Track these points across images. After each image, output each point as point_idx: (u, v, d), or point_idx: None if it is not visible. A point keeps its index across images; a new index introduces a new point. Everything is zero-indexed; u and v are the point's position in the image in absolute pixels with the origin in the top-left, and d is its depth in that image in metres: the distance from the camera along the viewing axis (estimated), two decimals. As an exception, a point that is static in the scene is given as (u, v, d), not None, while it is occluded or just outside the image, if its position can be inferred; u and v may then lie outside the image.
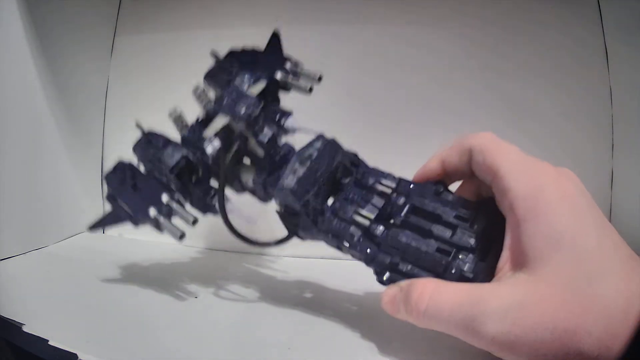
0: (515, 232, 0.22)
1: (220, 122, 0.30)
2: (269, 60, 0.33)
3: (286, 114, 0.31)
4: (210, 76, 0.32)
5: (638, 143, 0.38)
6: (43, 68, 0.43)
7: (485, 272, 0.24)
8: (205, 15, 0.49)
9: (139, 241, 0.49)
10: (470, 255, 0.24)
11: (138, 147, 0.33)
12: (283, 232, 0.31)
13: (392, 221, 0.27)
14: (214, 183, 0.32)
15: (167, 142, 0.32)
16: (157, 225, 0.31)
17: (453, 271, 0.24)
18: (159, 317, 0.31)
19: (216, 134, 0.30)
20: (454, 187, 0.28)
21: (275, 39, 0.34)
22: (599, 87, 0.42)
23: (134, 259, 0.42)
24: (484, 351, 0.25)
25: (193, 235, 0.47)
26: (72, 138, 0.48)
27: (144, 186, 0.32)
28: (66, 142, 0.47)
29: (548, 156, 0.24)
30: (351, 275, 0.35)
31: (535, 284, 0.20)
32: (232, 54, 0.34)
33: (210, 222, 0.41)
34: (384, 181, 0.28)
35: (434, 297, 0.23)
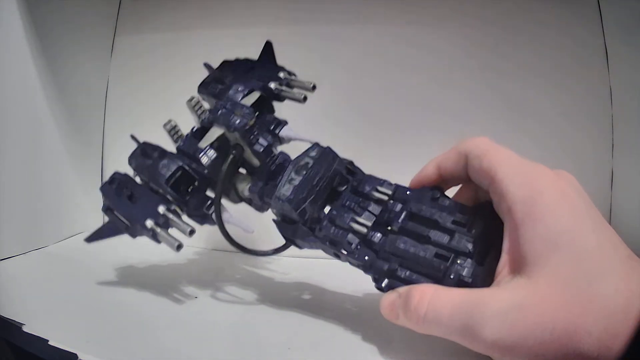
0: (514, 236, 0.22)
1: (215, 132, 0.30)
2: (262, 70, 0.33)
3: (281, 123, 0.31)
4: (204, 87, 0.33)
5: (638, 143, 0.38)
6: (43, 68, 0.43)
7: (484, 276, 0.24)
8: (206, 15, 0.49)
9: (139, 241, 0.48)
10: (469, 260, 0.24)
11: (133, 159, 0.32)
12: (280, 240, 0.31)
13: (389, 228, 0.27)
14: (210, 193, 0.32)
15: (163, 153, 0.32)
16: (154, 236, 0.30)
17: (452, 276, 0.24)
18: (159, 317, 0.31)
19: (211, 145, 0.30)
20: (451, 192, 0.28)
21: (268, 49, 0.34)
22: (599, 87, 0.42)
23: (134, 259, 0.42)
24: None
25: (195, 236, 0.47)
26: (72, 138, 0.48)
27: (140, 197, 0.31)
28: (66, 142, 0.47)
29: (548, 156, 0.24)
30: (351, 275, 0.35)
31: (534, 287, 0.20)
32: (225, 65, 0.34)
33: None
34: (380, 188, 0.28)
35: (433, 302, 0.23)
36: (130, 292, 0.35)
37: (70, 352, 0.26)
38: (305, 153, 0.29)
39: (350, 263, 0.28)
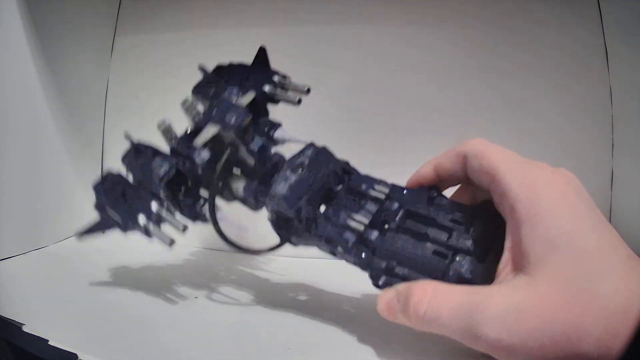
0: (516, 234, 0.22)
1: (209, 132, 0.30)
2: (256, 74, 0.33)
3: (275, 125, 0.31)
4: (198, 89, 0.33)
5: (638, 143, 0.38)
6: (43, 68, 0.43)
7: (485, 274, 0.23)
8: (206, 15, 0.49)
9: (139, 241, 0.48)
10: (468, 257, 0.24)
11: (127, 158, 0.32)
12: (275, 238, 0.31)
13: (386, 226, 0.27)
14: (203, 193, 0.32)
15: (156, 152, 0.32)
16: (147, 232, 0.30)
17: (451, 273, 0.24)
18: (158, 317, 0.31)
19: (205, 144, 0.30)
20: (448, 193, 0.28)
21: (262, 54, 0.34)
22: (599, 87, 0.42)
23: (134, 259, 0.42)
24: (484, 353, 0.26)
25: (193, 236, 0.47)
26: (72, 138, 0.48)
27: (133, 195, 0.31)
28: (66, 142, 0.47)
29: (548, 156, 0.24)
30: (351, 275, 0.35)
31: (535, 286, 0.20)
32: (219, 69, 0.34)
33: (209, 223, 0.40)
34: (377, 187, 0.28)
35: (433, 300, 0.22)
36: (130, 292, 0.35)
37: (70, 352, 0.26)
38: (301, 152, 0.29)
39: (347, 261, 0.28)
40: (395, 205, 0.27)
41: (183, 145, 0.31)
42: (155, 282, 0.36)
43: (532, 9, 0.43)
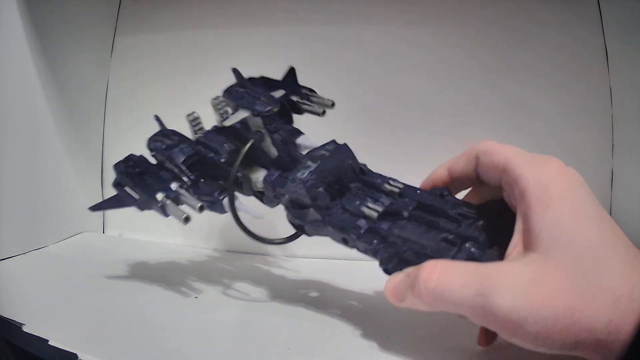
0: (527, 217, 0.22)
1: (238, 116, 0.31)
2: (285, 86, 0.34)
3: (298, 132, 0.32)
4: (230, 91, 0.33)
5: (638, 143, 0.38)
6: (43, 68, 0.43)
7: (493, 258, 0.24)
8: (206, 15, 0.49)
9: (139, 241, 0.49)
10: (476, 245, 0.25)
11: (152, 140, 0.34)
12: (288, 229, 0.31)
13: (398, 216, 0.27)
14: (223, 184, 0.32)
15: (184, 138, 0.34)
16: (163, 209, 0.31)
17: (459, 259, 0.24)
18: (158, 317, 0.31)
19: (229, 139, 0.32)
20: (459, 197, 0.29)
21: (291, 73, 0.35)
22: (599, 87, 0.42)
23: (133, 259, 0.42)
24: (484, 350, 0.26)
25: (193, 236, 0.47)
26: (72, 138, 0.48)
27: (153, 175, 0.33)
28: (66, 142, 0.47)
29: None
30: (352, 276, 0.35)
31: (545, 263, 0.21)
32: (251, 79, 0.35)
33: (210, 223, 0.41)
34: (391, 182, 0.29)
35: (444, 273, 0.22)
36: (131, 292, 0.35)
37: (70, 352, 0.26)
38: (323, 146, 0.31)
39: (357, 248, 0.28)
40: (408, 199, 0.28)
41: (208, 138, 0.33)
42: (156, 282, 0.36)
43: (532, 9, 0.43)
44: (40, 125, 0.44)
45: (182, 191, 0.32)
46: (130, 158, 0.34)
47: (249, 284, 0.37)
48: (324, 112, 0.32)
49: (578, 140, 0.42)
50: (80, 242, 0.47)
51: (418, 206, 0.28)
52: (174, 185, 0.32)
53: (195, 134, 0.34)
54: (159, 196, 0.31)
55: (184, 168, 0.32)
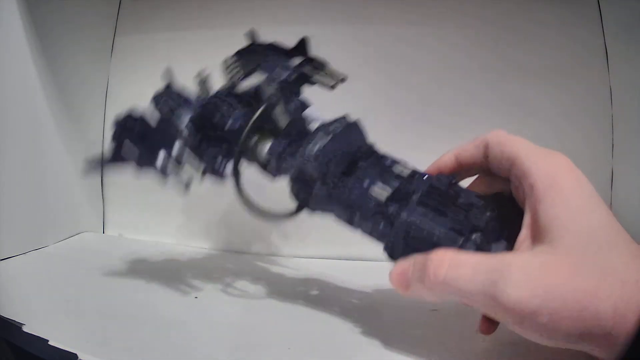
0: (535, 210, 0.22)
1: (256, 79, 0.30)
2: (298, 56, 0.33)
3: (307, 105, 0.31)
4: (241, 53, 0.33)
5: (638, 143, 0.38)
6: (43, 68, 0.43)
7: (502, 250, 0.24)
8: (206, 15, 0.49)
9: (139, 241, 0.49)
10: (484, 236, 0.24)
11: (160, 95, 0.33)
12: (289, 205, 0.31)
13: (406, 201, 0.27)
14: (228, 149, 0.31)
15: (189, 100, 0.32)
16: (164, 170, 0.30)
17: (467, 247, 0.24)
18: (158, 317, 0.31)
19: (240, 102, 0.31)
20: (464, 185, 0.28)
21: (303, 43, 0.34)
22: (599, 87, 0.42)
23: (133, 259, 0.42)
24: (485, 349, 0.26)
25: (193, 236, 0.47)
26: (72, 138, 0.48)
27: (155, 134, 0.31)
28: (66, 142, 0.47)
29: None
30: (351, 275, 0.35)
31: (554, 253, 0.21)
32: (262, 45, 0.34)
33: (209, 222, 0.41)
34: (400, 165, 0.29)
35: (454, 262, 0.23)
36: (131, 292, 0.35)
37: (70, 352, 0.26)
38: (335, 121, 0.30)
39: (363, 230, 0.27)
40: (416, 184, 0.27)
41: (217, 98, 0.31)
42: (155, 282, 0.36)
43: (532, 9, 0.43)
44: (40, 125, 0.44)
45: (186, 150, 0.30)
46: (130, 114, 0.32)
47: (249, 284, 0.37)
48: (334, 87, 0.31)
49: (578, 140, 0.42)
50: (80, 242, 0.47)
51: (427, 191, 0.27)
52: (177, 144, 0.30)
53: (203, 94, 0.33)
54: (161, 154, 0.30)
55: (189, 127, 0.30)
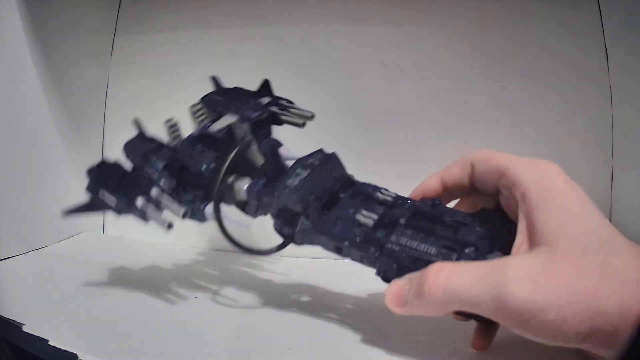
0: (530, 216, 0.23)
1: (225, 121, 0.30)
2: (263, 97, 0.33)
3: (278, 143, 0.32)
4: (208, 98, 0.33)
5: (638, 143, 0.38)
6: (43, 68, 0.43)
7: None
8: (206, 15, 0.49)
9: (139, 241, 0.49)
10: (476, 250, 0.24)
11: (130, 144, 0.33)
12: (277, 236, 0.31)
13: (393, 225, 0.27)
14: (204, 193, 0.31)
15: (162, 145, 0.32)
16: (143, 215, 0.30)
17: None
18: (158, 317, 0.31)
19: (211, 146, 0.31)
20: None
21: (266, 85, 0.35)
22: (599, 87, 0.42)
23: (134, 259, 0.42)
24: (481, 353, 0.26)
25: (193, 236, 0.47)
26: (72, 138, 0.48)
27: (131, 181, 0.32)
28: (66, 142, 0.47)
29: (548, 156, 0.25)
30: (352, 275, 0.35)
31: (554, 253, 0.21)
32: (228, 89, 0.34)
33: (209, 223, 0.40)
34: (383, 192, 0.29)
35: (453, 270, 0.23)
36: (130, 292, 0.35)
37: (70, 352, 0.26)
38: (311, 155, 0.30)
39: (352, 257, 0.27)
40: (401, 209, 0.28)
41: (187, 146, 0.31)
42: (156, 282, 0.36)
43: (532, 9, 0.42)
44: (40, 125, 0.44)
45: (164, 195, 0.30)
46: (104, 164, 0.32)
47: (249, 284, 0.37)
48: (304, 124, 0.31)
49: (578, 140, 0.42)
50: (80, 242, 0.47)
51: (413, 213, 0.27)
52: (154, 191, 0.30)
53: (174, 140, 0.33)
54: (139, 201, 0.30)
55: (164, 174, 0.30)
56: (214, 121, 0.31)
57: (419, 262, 0.25)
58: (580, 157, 0.41)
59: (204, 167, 0.31)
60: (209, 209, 0.30)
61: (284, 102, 0.33)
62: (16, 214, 0.42)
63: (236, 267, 0.42)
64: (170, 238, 0.48)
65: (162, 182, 0.31)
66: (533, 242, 0.22)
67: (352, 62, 0.46)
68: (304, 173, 0.28)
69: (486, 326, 0.25)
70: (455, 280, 0.22)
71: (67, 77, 0.47)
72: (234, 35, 0.48)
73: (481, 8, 0.43)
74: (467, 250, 0.24)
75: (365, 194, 0.29)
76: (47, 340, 0.27)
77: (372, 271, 0.27)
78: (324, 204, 0.28)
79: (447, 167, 0.28)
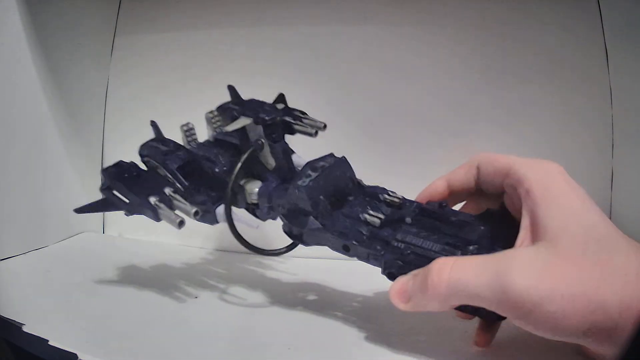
0: (533, 212, 0.23)
1: (239, 123, 0.31)
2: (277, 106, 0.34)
3: (290, 150, 0.32)
4: (224, 107, 0.33)
5: (638, 143, 0.38)
6: (43, 68, 0.43)
7: None
8: (205, 15, 0.49)
9: (139, 241, 0.49)
10: (479, 248, 0.25)
11: (147, 145, 0.34)
12: (283, 237, 0.31)
13: (399, 224, 0.28)
14: (217, 195, 0.32)
15: (179, 146, 0.33)
16: (155, 214, 0.31)
17: None
18: (159, 317, 0.31)
19: (226, 149, 0.32)
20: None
21: (281, 98, 0.36)
22: (599, 87, 0.42)
23: (134, 259, 0.42)
24: (484, 352, 0.26)
25: (193, 235, 0.47)
26: (72, 138, 0.48)
27: (145, 180, 0.32)
28: (66, 142, 0.47)
29: (548, 156, 0.25)
30: (352, 276, 0.35)
31: (557, 247, 0.21)
32: (245, 100, 0.35)
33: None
34: (390, 193, 0.30)
35: (457, 264, 0.23)
36: (131, 292, 0.35)
37: (70, 352, 0.26)
38: (322, 158, 0.31)
39: (359, 256, 0.28)
40: (407, 209, 0.29)
41: (202, 149, 0.33)
42: (156, 282, 0.36)
43: (532, 9, 0.42)
44: (41, 125, 0.44)
45: (176, 196, 0.31)
46: (120, 164, 0.33)
47: (250, 284, 0.37)
48: (316, 133, 0.32)
49: (578, 140, 0.42)
50: (80, 242, 0.47)
51: (419, 213, 0.28)
52: (167, 190, 0.31)
53: (189, 144, 0.34)
54: (152, 199, 0.31)
55: (178, 174, 0.31)
56: (229, 125, 0.32)
57: (423, 259, 0.25)
58: (580, 157, 0.41)
59: (219, 168, 0.32)
60: (220, 210, 0.31)
61: (297, 113, 0.34)
62: (16, 214, 0.42)
63: (236, 267, 0.42)
64: (170, 238, 0.48)
65: (175, 182, 0.32)
66: (536, 237, 0.23)
67: (352, 63, 0.46)
68: (314, 174, 0.29)
69: (488, 322, 0.25)
70: (458, 273, 0.22)
71: (67, 77, 0.47)
72: (234, 36, 0.48)
73: (481, 9, 0.43)
74: (470, 248, 0.25)
75: (373, 195, 0.30)
76: (47, 340, 0.27)
77: (375, 271, 0.27)
78: (332, 204, 0.29)
79: (453, 171, 0.29)
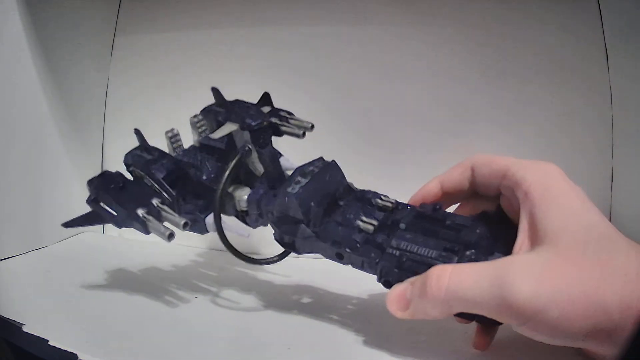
0: (532, 215, 0.23)
1: (226, 129, 0.30)
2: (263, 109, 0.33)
3: (278, 153, 0.32)
4: (208, 110, 0.33)
5: (638, 143, 0.38)
6: (43, 68, 0.43)
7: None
8: (205, 15, 0.49)
9: (139, 241, 0.48)
10: (477, 252, 0.25)
11: (132, 154, 0.33)
12: (277, 245, 0.31)
13: (393, 229, 0.27)
14: (205, 203, 0.31)
15: (164, 154, 0.32)
16: (144, 226, 0.30)
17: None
18: (158, 317, 0.31)
19: (213, 154, 0.31)
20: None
21: (267, 97, 0.35)
22: (599, 87, 0.42)
23: (134, 259, 0.42)
24: (482, 354, 0.26)
25: (193, 236, 0.47)
26: (72, 138, 0.48)
27: (132, 191, 0.31)
28: (66, 143, 0.47)
29: (548, 156, 0.25)
30: (352, 276, 0.35)
31: (556, 250, 0.21)
32: (229, 101, 0.34)
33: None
34: (383, 197, 0.29)
35: (456, 271, 0.23)
36: (131, 292, 0.35)
37: (70, 352, 0.26)
38: (311, 163, 0.30)
39: (353, 264, 0.27)
40: (401, 213, 0.28)
41: (188, 155, 0.32)
42: (156, 282, 0.36)
43: (532, 9, 0.42)
44: (41, 125, 0.44)
45: (164, 207, 0.30)
46: (106, 174, 0.32)
47: (249, 285, 0.37)
48: (304, 134, 0.31)
49: (578, 140, 0.42)
50: (80, 242, 0.47)
51: (414, 217, 0.27)
52: (154, 201, 0.30)
53: (174, 151, 0.33)
54: (140, 212, 0.30)
55: (165, 184, 0.30)
56: (214, 131, 0.31)
57: (420, 266, 0.25)
58: (580, 157, 0.41)
59: (205, 176, 0.31)
60: (210, 219, 0.30)
61: (284, 114, 0.33)
62: (16, 214, 0.42)
63: (237, 268, 0.42)
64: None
65: (162, 192, 0.31)
66: (535, 240, 0.22)
67: (352, 63, 0.46)
68: (304, 180, 0.28)
69: (486, 327, 0.25)
70: (457, 280, 0.22)
71: (67, 77, 0.47)
72: (234, 36, 0.48)
73: (481, 9, 0.43)
74: (467, 252, 0.25)
75: (365, 200, 0.29)
76: (47, 340, 0.27)
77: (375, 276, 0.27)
78: (324, 211, 0.29)
79: (447, 172, 0.28)
